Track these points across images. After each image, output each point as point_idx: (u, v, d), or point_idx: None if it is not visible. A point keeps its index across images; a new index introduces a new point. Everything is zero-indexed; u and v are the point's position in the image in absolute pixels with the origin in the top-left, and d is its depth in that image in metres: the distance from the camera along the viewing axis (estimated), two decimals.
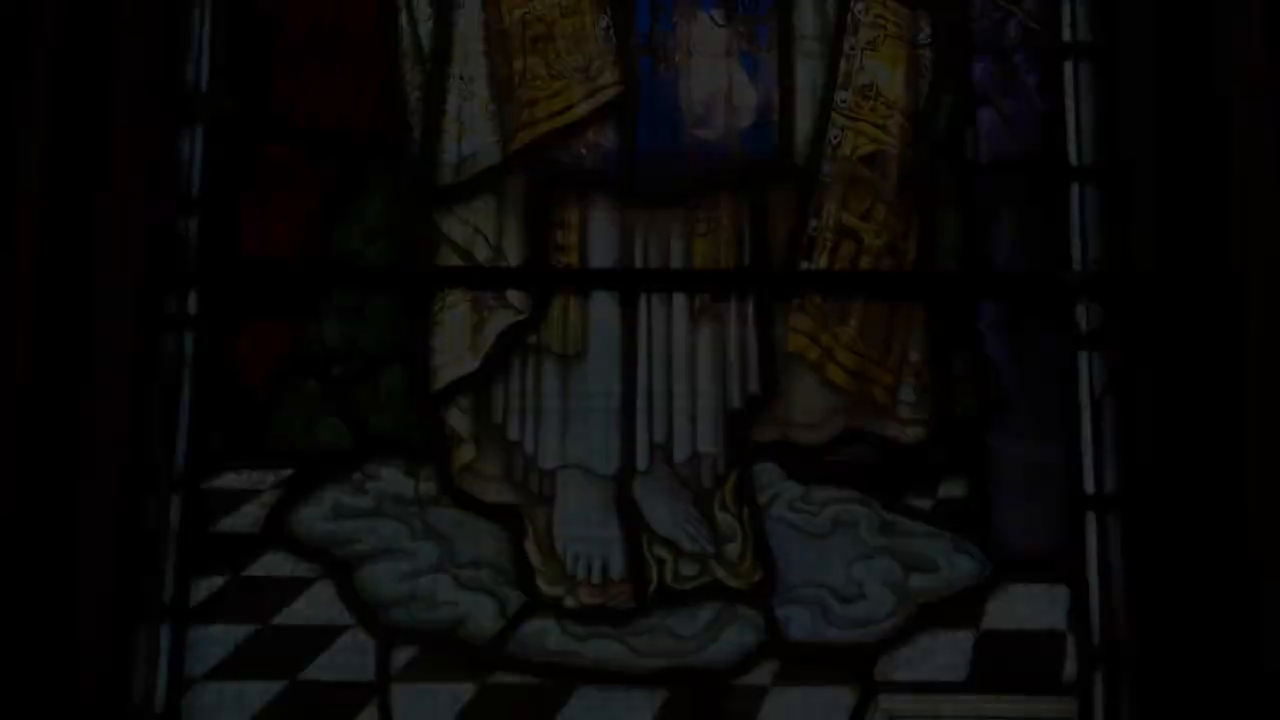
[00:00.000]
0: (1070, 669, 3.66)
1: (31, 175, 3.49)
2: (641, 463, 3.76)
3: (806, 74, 3.97)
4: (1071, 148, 3.92)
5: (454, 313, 3.83)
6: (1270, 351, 3.49)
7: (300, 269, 3.82)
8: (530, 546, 3.70)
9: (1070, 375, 3.81)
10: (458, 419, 3.78)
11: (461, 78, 3.93)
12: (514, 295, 3.84)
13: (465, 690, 3.64)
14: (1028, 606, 3.70)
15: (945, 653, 3.68)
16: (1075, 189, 3.90)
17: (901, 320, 3.86)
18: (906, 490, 3.76)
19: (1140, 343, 3.64)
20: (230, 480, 3.71)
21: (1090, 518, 3.72)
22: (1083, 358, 3.82)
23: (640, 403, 3.80)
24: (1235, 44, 3.63)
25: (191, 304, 3.78)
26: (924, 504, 3.75)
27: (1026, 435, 3.80)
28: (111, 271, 3.55)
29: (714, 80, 3.98)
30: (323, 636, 3.65)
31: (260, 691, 3.62)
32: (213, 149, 3.85)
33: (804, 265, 3.88)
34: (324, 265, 3.84)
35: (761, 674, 3.66)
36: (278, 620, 3.66)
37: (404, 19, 3.95)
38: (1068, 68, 3.96)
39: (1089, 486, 3.74)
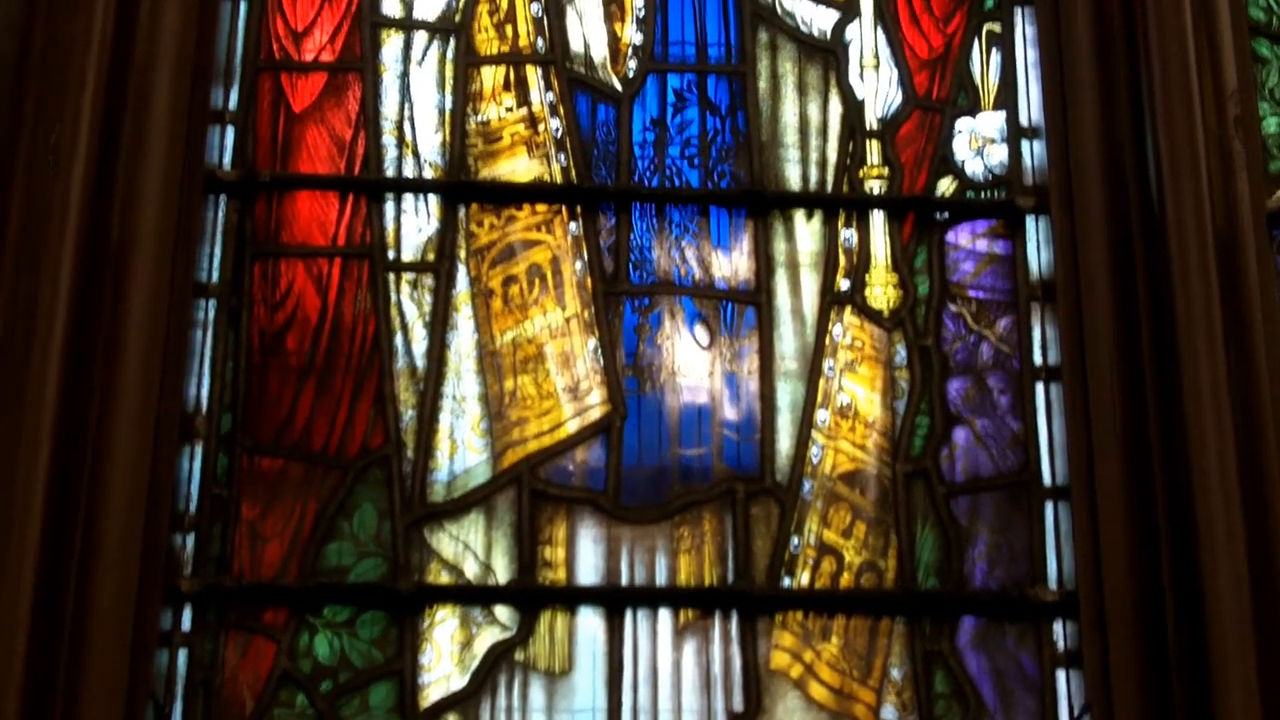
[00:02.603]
0: None
1: (34, 492, 3.56)
2: None
3: (787, 394, 4.10)
4: (1044, 467, 4.04)
5: (443, 629, 3.88)
6: (1235, 668, 3.56)
7: (292, 586, 3.87)
8: None
9: (1049, 693, 3.87)
10: None
11: (454, 397, 4.05)
12: (502, 612, 3.89)
13: None
14: None
15: None
16: (1049, 507, 4.01)
17: (883, 638, 3.93)
18: None
19: (1116, 660, 3.70)
20: None
21: None
22: (1061, 675, 3.88)
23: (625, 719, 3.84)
24: (1196, 366, 3.78)
25: (185, 620, 3.83)
26: None
27: None
28: (106, 588, 3.59)
29: (698, 399, 4.10)
30: None
31: None
32: (209, 466, 3.93)
33: (786, 582, 3.95)
34: (316, 582, 3.88)
35: None
36: None
37: (399, 340, 4.07)
38: (1039, 389, 4.10)
39: None
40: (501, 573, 3.93)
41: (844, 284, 4.19)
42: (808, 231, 4.23)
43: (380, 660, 3.85)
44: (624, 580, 3.95)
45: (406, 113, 4.24)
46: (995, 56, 4.37)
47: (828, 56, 4.36)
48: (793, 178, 4.27)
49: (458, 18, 4.33)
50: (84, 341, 3.72)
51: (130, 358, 3.76)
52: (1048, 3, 4.24)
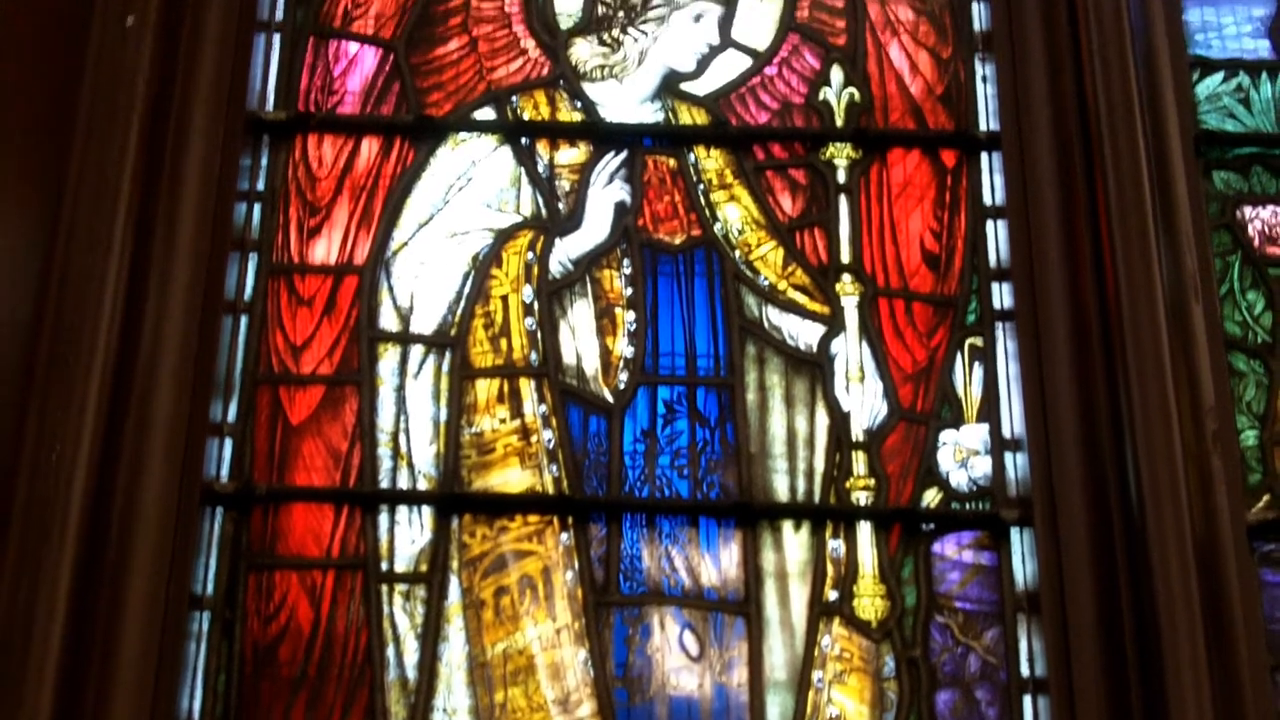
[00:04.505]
0: None
1: None
2: None
3: (776, 706, 4.09)
4: None
5: None
6: None
7: None
8: None
9: None
10: None
11: (445, 710, 4.05)
12: None
13: None
14: None
15: None
16: None
17: None
18: None
19: None
20: None
21: None
22: None
23: None
24: (1180, 677, 3.82)
25: None
26: None
27: None
28: None
29: (688, 711, 4.10)
30: None
31: None
32: None
33: None
34: None
35: None
36: None
37: (391, 652, 4.10)
38: (1026, 701, 4.10)
39: None
40: None
41: (832, 594, 4.22)
42: (796, 542, 4.28)
43: None
44: None
45: (402, 424, 4.33)
46: (977, 370, 4.46)
47: (814, 369, 4.45)
48: (780, 488, 4.34)
49: (453, 331, 4.44)
50: (79, 653, 3.76)
51: (124, 671, 3.80)
52: (1028, 319, 4.35)
